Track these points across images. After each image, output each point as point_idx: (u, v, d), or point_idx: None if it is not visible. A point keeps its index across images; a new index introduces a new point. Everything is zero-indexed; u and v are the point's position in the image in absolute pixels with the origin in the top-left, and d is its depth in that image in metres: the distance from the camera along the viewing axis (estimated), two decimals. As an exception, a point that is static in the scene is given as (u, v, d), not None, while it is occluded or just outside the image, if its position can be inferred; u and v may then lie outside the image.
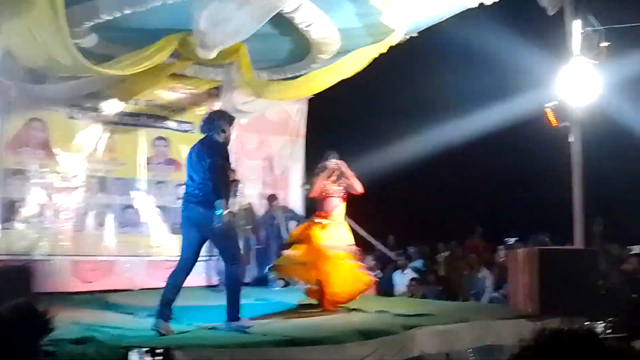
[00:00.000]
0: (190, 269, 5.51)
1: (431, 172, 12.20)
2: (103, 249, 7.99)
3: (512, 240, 10.23)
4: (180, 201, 8.42)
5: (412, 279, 9.82)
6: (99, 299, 7.11)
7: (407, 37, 7.52)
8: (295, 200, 9.84)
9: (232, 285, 5.40)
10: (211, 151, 5.33)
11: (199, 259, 8.53)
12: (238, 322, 5.28)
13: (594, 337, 0.99)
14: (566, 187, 7.21)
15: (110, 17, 5.96)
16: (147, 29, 6.53)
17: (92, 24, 6.19)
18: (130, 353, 3.78)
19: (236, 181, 8.19)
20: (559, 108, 6.92)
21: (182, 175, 8.58)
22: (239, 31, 6.26)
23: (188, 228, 5.50)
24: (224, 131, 5.45)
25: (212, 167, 5.25)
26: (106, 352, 4.10)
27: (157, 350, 3.70)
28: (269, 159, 9.68)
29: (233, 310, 5.31)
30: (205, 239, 5.52)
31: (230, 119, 5.57)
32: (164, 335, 5.03)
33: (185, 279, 5.47)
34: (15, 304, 2.98)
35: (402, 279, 10.05)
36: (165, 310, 5.24)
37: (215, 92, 8.78)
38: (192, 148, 5.61)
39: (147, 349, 3.83)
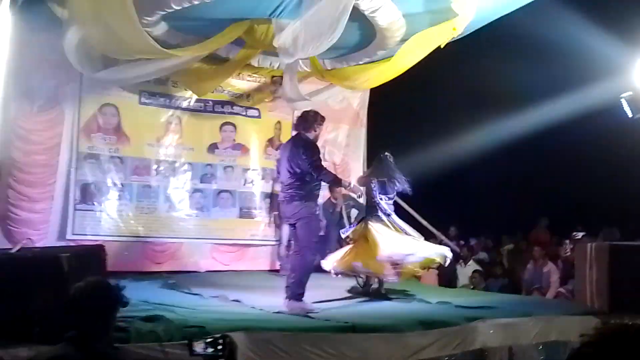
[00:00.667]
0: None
1: (497, 162, 11.94)
2: (172, 232, 8.20)
3: (580, 234, 9.92)
4: (249, 185, 8.74)
5: (474, 271, 9.68)
6: (167, 280, 7.33)
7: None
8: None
9: (299, 271, 5.78)
10: (305, 149, 5.83)
11: (265, 243, 8.81)
12: (299, 302, 5.58)
13: None
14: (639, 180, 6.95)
15: (180, 7, 6.09)
16: (214, 18, 6.64)
17: (162, 13, 6.35)
18: (194, 344, 3.87)
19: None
20: (634, 98, 6.65)
21: (249, 160, 8.81)
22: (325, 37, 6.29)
23: (285, 220, 6.33)
24: (315, 130, 5.98)
25: (305, 164, 5.76)
26: (174, 330, 4.25)
27: (219, 340, 3.78)
28: (330, 147, 9.69)
29: (296, 290, 5.69)
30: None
31: (322, 119, 6.07)
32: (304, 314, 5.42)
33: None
34: (91, 280, 3.14)
35: (464, 271, 9.92)
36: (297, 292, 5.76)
37: (278, 80, 8.85)
38: (285, 145, 6.24)
39: (210, 340, 3.92)
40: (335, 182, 6.27)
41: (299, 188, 5.83)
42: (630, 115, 6.72)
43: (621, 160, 9.15)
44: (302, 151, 5.82)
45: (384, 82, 8.00)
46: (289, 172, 5.88)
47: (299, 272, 5.79)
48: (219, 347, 3.69)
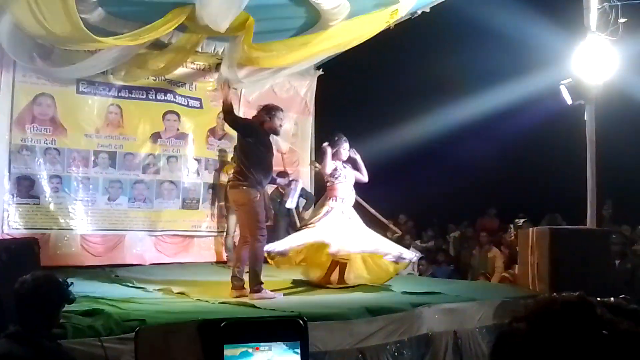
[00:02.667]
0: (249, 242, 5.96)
1: (443, 151, 12.10)
2: (113, 224, 7.98)
3: (521, 220, 10.14)
4: (193, 175, 8.57)
5: (421, 258, 9.77)
6: (108, 274, 7.13)
7: (419, 12, 7.40)
8: (304, 177, 9.79)
9: (250, 260, 5.84)
10: (247, 132, 5.96)
11: (211, 234, 8.67)
12: (260, 293, 5.66)
13: (585, 305, 0.96)
14: (580, 167, 7.13)
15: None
16: (154, 2, 6.44)
17: (98, -4, 6.11)
18: None
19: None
20: (574, 86, 6.80)
21: (192, 150, 8.62)
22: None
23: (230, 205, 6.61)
24: (270, 120, 6.01)
25: (244, 146, 5.92)
26: (114, 325, 4.10)
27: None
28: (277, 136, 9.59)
29: (254, 281, 5.73)
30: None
31: (280, 111, 6.15)
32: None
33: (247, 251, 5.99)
34: (38, 274, 3.00)
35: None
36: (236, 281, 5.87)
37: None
38: None
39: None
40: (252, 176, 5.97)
41: (242, 174, 5.86)
42: (569, 102, 6.87)
43: (563, 146, 9.40)
44: (243, 134, 6.01)
45: (321, 53, 7.96)
46: (240, 155, 6.03)
47: (252, 263, 5.83)
48: None
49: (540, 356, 0.89)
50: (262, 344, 1.81)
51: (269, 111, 6.07)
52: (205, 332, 2.79)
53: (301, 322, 1.83)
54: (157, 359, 2.54)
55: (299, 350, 1.78)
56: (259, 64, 7.64)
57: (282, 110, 6.23)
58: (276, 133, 6.20)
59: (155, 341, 3.09)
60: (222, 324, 1.83)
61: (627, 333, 0.92)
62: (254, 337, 1.81)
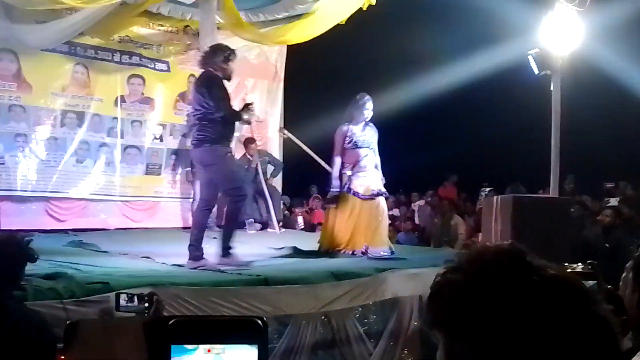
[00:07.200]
0: (211, 208, 5.75)
1: (409, 121, 12.14)
2: (78, 188, 7.85)
3: (488, 189, 10.29)
4: (156, 141, 8.43)
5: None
6: (72, 238, 7.04)
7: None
8: (273, 144, 9.75)
9: (227, 222, 5.60)
10: (209, 87, 5.20)
11: (177, 200, 8.59)
12: (229, 258, 5.37)
13: (516, 252, 0.97)
14: (544, 137, 7.23)
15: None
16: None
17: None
18: (120, 296, 3.59)
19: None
20: (541, 56, 6.84)
21: (158, 115, 8.49)
22: None
23: (197, 168, 5.76)
24: (222, 67, 5.30)
25: (209, 103, 5.16)
26: (75, 287, 4.06)
27: (145, 297, 3.48)
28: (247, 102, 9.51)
29: (225, 244, 5.42)
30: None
31: (231, 53, 5.39)
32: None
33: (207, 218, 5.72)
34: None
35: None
36: (194, 251, 5.39)
37: (190, 31, 8.52)
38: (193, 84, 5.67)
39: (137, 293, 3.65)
40: (236, 118, 5.47)
41: (205, 130, 5.22)
42: (536, 72, 6.92)
43: (530, 116, 9.50)
44: (207, 89, 5.21)
45: (302, 40, 7.90)
46: (195, 112, 5.34)
47: (228, 226, 5.53)
48: (146, 304, 3.40)
49: (475, 304, 0.91)
50: (215, 345, 1.70)
51: (228, 55, 5.32)
52: (150, 330, 2.67)
53: (260, 322, 1.67)
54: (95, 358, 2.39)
55: (256, 353, 1.58)
56: (240, 34, 7.57)
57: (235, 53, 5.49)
58: (229, 79, 5.47)
59: (93, 338, 2.99)
60: (170, 322, 1.66)
61: (555, 278, 0.94)
62: (206, 337, 1.59)
